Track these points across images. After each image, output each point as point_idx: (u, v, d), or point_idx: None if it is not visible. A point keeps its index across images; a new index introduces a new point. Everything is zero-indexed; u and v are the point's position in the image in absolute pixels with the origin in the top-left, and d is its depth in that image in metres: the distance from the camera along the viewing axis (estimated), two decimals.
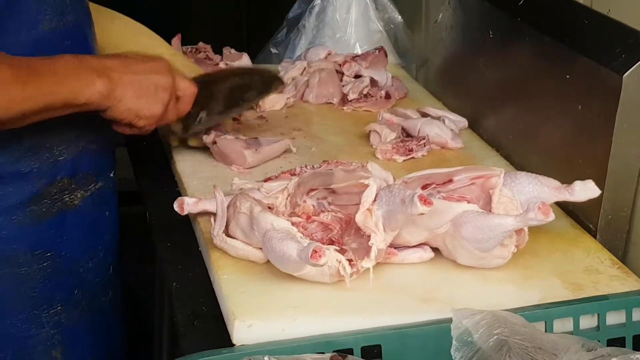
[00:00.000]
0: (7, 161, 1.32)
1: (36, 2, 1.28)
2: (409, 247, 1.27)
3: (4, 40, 1.25)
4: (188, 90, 1.41)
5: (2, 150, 1.30)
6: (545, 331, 1.14)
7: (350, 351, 1.08)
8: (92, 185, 1.44)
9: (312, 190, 1.32)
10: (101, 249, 1.49)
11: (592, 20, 1.42)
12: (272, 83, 1.62)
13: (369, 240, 1.20)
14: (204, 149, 1.61)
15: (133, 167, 1.70)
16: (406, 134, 1.70)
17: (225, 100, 1.55)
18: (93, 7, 1.45)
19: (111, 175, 1.50)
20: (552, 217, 1.16)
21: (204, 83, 1.49)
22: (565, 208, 1.42)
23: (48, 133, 1.33)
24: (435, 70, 2.02)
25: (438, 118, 1.73)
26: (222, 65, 1.89)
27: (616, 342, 1.17)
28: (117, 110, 1.30)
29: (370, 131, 1.69)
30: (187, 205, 1.35)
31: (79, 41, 1.37)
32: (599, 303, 1.17)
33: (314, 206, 1.31)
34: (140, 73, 1.32)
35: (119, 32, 1.49)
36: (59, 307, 1.42)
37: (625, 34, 1.34)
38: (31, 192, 1.35)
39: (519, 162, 1.60)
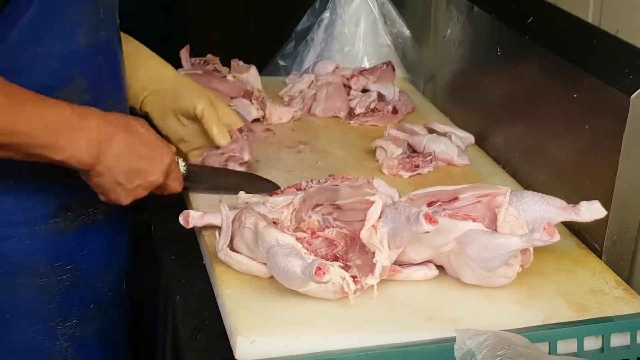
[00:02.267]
0: (36, 174, 1.31)
1: (73, 15, 1.28)
2: (413, 264, 1.27)
3: (39, 50, 1.25)
4: (173, 190, 1.40)
5: (32, 164, 1.28)
6: (550, 352, 1.14)
7: None
8: None
9: (317, 205, 1.32)
10: (117, 263, 1.50)
11: (601, 40, 1.42)
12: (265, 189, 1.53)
13: (373, 257, 1.20)
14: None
15: None
16: (412, 150, 1.69)
17: (211, 189, 1.52)
18: None
19: None
20: (557, 238, 1.15)
21: (201, 173, 1.51)
22: (571, 228, 1.41)
23: None
24: (443, 85, 2.02)
25: (445, 134, 1.73)
26: (230, 77, 1.89)
27: None
28: (90, 180, 1.29)
29: (376, 147, 1.69)
30: (192, 218, 1.35)
31: (111, 57, 1.37)
32: (604, 325, 1.17)
33: (319, 222, 1.31)
34: (133, 166, 1.29)
35: (130, 54, 1.49)
36: (75, 321, 1.42)
37: (634, 55, 1.33)
38: (57, 204, 1.36)
39: (525, 180, 1.59)
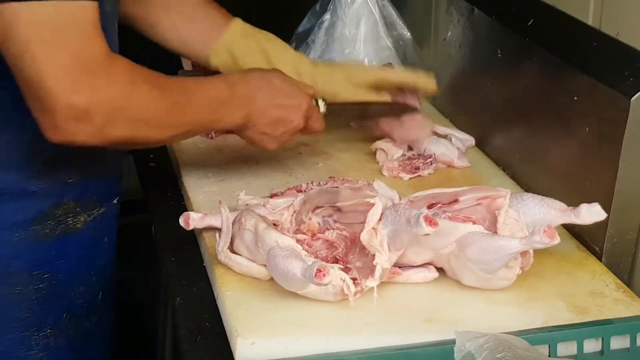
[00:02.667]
0: (18, 179, 1.31)
1: None
2: (413, 266, 1.27)
3: None
4: (315, 130, 1.52)
5: (15, 169, 1.30)
6: (549, 354, 1.14)
7: None
8: (96, 210, 1.43)
9: (317, 207, 1.32)
10: (94, 273, 1.47)
11: (601, 43, 1.42)
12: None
13: (373, 259, 1.20)
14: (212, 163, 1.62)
15: (140, 178, 1.71)
16: (412, 152, 1.69)
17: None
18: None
19: (114, 202, 1.49)
20: (557, 240, 1.15)
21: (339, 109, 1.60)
22: (571, 230, 1.41)
23: (60, 155, 1.33)
24: (443, 87, 2.01)
25: (445, 136, 1.73)
26: None
27: None
28: (240, 134, 1.45)
29: (376, 149, 1.69)
30: (192, 220, 1.35)
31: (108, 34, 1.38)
32: (604, 327, 1.17)
33: (319, 223, 1.31)
34: (276, 113, 1.44)
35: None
36: (49, 330, 1.40)
37: (634, 57, 1.33)
38: (37, 211, 1.34)
39: (525, 183, 1.60)
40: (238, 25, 1.64)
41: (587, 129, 1.40)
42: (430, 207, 1.29)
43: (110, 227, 1.50)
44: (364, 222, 1.23)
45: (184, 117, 1.31)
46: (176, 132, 1.31)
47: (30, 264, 1.36)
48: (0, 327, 1.36)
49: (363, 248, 1.22)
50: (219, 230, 1.31)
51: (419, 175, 1.63)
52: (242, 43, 1.62)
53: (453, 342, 1.04)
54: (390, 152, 1.65)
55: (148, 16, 1.60)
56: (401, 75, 1.72)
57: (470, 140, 1.78)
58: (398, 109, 1.67)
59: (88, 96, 1.14)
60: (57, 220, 1.37)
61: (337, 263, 1.22)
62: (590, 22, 1.47)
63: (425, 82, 1.69)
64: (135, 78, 1.21)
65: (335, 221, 1.30)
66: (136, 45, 1.92)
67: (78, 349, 1.47)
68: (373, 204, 1.23)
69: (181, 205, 1.53)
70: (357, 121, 1.76)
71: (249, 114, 1.40)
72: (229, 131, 1.64)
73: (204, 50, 1.62)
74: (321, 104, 1.54)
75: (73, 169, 1.37)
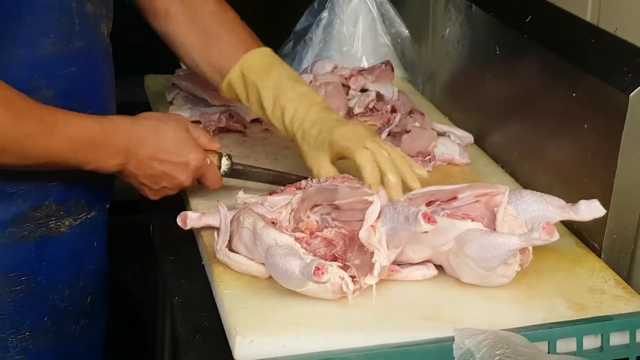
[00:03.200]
0: None
1: (37, 23, 1.26)
2: (412, 264, 1.27)
3: (36, 51, 1.25)
4: (211, 187, 1.44)
5: None
6: (549, 351, 1.13)
7: None
8: (84, 214, 1.41)
9: (316, 205, 1.32)
10: (82, 278, 1.44)
11: (599, 39, 1.42)
12: None
13: (372, 257, 1.20)
14: None
15: None
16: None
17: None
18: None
19: (106, 206, 1.47)
20: (556, 237, 1.15)
21: (244, 172, 1.49)
22: (570, 227, 1.41)
23: None
24: (441, 85, 2.02)
25: (444, 134, 1.73)
26: None
27: None
28: (119, 178, 1.36)
29: None
30: (190, 220, 1.35)
31: (88, 69, 1.35)
32: (603, 324, 1.17)
33: (317, 222, 1.31)
34: (159, 170, 1.35)
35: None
36: (27, 333, 1.37)
37: (632, 53, 1.33)
38: (14, 213, 1.32)
39: (524, 179, 1.59)
40: (255, 57, 1.51)
41: (585, 126, 1.40)
42: (428, 204, 1.29)
43: (100, 232, 1.47)
44: (362, 220, 1.22)
45: (38, 150, 1.23)
46: (36, 162, 1.24)
47: (6, 266, 1.33)
48: None
49: (362, 246, 1.22)
50: (217, 229, 1.31)
51: None
52: (252, 77, 1.50)
53: (452, 339, 1.04)
54: None
55: (167, 31, 1.55)
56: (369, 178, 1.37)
57: (468, 137, 1.77)
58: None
59: None
60: (37, 223, 1.34)
61: (336, 261, 1.22)
62: (588, 19, 1.47)
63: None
64: None
65: (333, 219, 1.30)
66: (136, 43, 1.92)
67: (63, 352, 1.44)
68: (371, 202, 1.23)
69: (179, 204, 1.53)
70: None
71: (125, 164, 1.31)
72: (226, 130, 1.63)
73: (215, 78, 1.55)
74: (225, 162, 1.44)
75: (55, 173, 1.33)
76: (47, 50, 1.28)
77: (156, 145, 1.33)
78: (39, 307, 1.38)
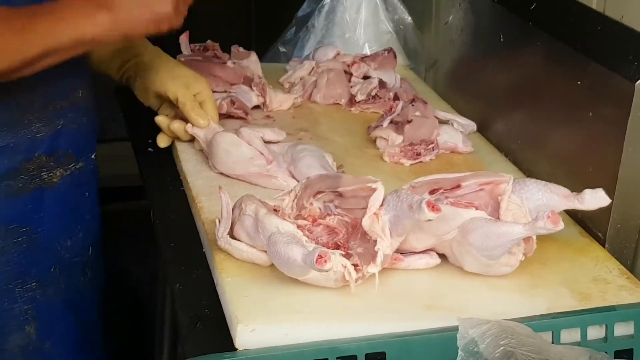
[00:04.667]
0: None
1: None
2: (415, 252, 1.26)
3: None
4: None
5: None
6: (553, 341, 1.13)
7: (354, 358, 1.07)
8: (72, 164, 1.45)
9: (318, 192, 1.31)
10: (80, 229, 1.50)
11: (605, 26, 1.41)
12: None
13: (375, 245, 1.19)
14: None
15: (138, 164, 1.69)
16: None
17: None
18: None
19: (92, 157, 1.51)
20: (561, 226, 1.14)
21: None
22: (574, 216, 1.40)
23: (26, 109, 1.34)
24: (444, 72, 2.01)
25: (447, 122, 1.72)
26: (230, 64, 1.88)
27: (624, 353, 1.15)
28: (133, 33, 1.31)
29: (376, 137, 1.67)
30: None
31: None
32: (607, 314, 1.16)
33: (320, 209, 1.30)
34: None
35: None
36: (34, 283, 1.42)
37: (639, 41, 1.32)
38: (7, 166, 1.36)
39: (527, 168, 1.58)
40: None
41: (590, 114, 1.39)
42: (432, 192, 1.28)
43: (90, 182, 1.52)
44: (365, 208, 1.21)
45: (29, 35, 1.23)
46: (28, 53, 1.23)
47: (5, 219, 1.37)
48: None
49: (364, 234, 1.21)
50: (219, 216, 1.30)
51: (421, 161, 1.61)
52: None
53: (455, 329, 1.03)
54: (391, 138, 1.64)
55: None
56: (184, 107, 1.58)
57: (471, 125, 1.76)
58: None
59: None
60: (30, 174, 1.38)
61: (338, 249, 1.21)
62: (594, 6, 1.46)
63: (196, 119, 1.58)
64: None
65: (336, 206, 1.29)
66: None
67: (70, 303, 1.49)
68: (375, 189, 1.22)
69: (180, 190, 1.52)
70: None
71: (108, 12, 1.26)
72: (228, 116, 1.62)
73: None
74: None
75: (40, 123, 1.37)
76: None
77: None
78: (44, 258, 1.43)
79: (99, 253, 1.56)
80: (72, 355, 1.53)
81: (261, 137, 1.52)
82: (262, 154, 1.49)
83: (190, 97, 1.59)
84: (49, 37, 1.23)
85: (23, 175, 1.38)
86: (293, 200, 1.29)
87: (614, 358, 1.13)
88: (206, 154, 1.55)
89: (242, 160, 1.49)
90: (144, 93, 1.66)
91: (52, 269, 1.44)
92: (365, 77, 1.91)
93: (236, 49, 1.97)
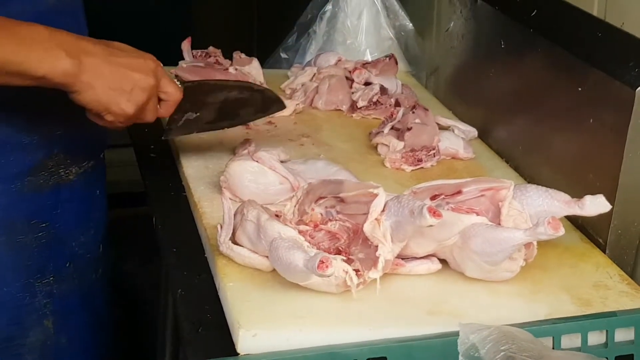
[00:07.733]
0: (11, 131, 1.36)
1: None
2: (416, 258, 1.26)
3: (6, 9, 1.25)
4: (173, 96, 1.37)
5: (7, 121, 1.35)
6: (553, 347, 1.13)
7: None
8: (85, 162, 1.50)
9: (320, 198, 1.31)
10: (92, 225, 1.55)
11: (606, 33, 1.41)
12: (273, 105, 1.60)
13: (376, 250, 1.19)
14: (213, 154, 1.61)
15: (140, 169, 1.70)
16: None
17: (217, 112, 1.52)
18: None
19: (102, 156, 1.57)
20: (562, 232, 1.15)
21: (199, 89, 1.48)
22: (575, 222, 1.41)
23: (46, 107, 1.36)
24: (445, 78, 2.02)
25: (448, 128, 1.72)
26: (231, 70, 1.89)
27: (624, 359, 1.16)
28: (84, 97, 1.26)
29: (377, 144, 1.68)
30: None
31: (74, 19, 1.42)
32: (608, 319, 1.16)
33: (322, 214, 1.30)
34: (119, 66, 1.27)
35: None
36: (51, 278, 1.47)
37: (639, 48, 1.32)
38: (31, 162, 1.40)
39: (528, 174, 1.59)
40: None
41: (591, 120, 1.39)
42: (433, 198, 1.28)
43: (101, 180, 1.58)
44: (367, 213, 1.22)
45: None
46: None
47: (28, 214, 1.42)
48: (6, 275, 1.42)
49: (366, 239, 1.22)
50: (221, 221, 1.30)
51: (422, 167, 1.62)
52: None
53: (456, 334, 1.03)
54: (392, 144, 1.65)
55: None
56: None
57: (472, 131, 1.77)
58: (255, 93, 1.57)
59: None
60: (50, 171, 1.43)
61: (340, 254, 1.21)
62: (595, 13, 1.46)
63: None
64: None
65: (338, 212, 1.29)
66: (139, 35, 1.92)
67: (83, 298, 1.54)
68: (376, 195, 1.22)
69: (182, 196, 1.52)
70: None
71: (82, 63, 1.23)
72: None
73: None
74: (171, 76, 1.43)
75: (58, 121, 1.41)
76: (49, 2, 1.34)
77: (108, 50, 1.27)
78: (61, 253, 1.48)
79: (107, 251, 1.60)
80: (86, 351, 1.57)
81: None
82: (287, 178, 1.43)
83: None
84: (2, 59, 1.19)
85: (44, 172, 1.42)
86: (295, 206, 1.29)
87: None
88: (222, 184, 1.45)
89: (272, 189, 1.43)
90: None
91: (67, 264, 1.49)
92: (367, 84, 1.92)
93: (238, 55, 1.97)
